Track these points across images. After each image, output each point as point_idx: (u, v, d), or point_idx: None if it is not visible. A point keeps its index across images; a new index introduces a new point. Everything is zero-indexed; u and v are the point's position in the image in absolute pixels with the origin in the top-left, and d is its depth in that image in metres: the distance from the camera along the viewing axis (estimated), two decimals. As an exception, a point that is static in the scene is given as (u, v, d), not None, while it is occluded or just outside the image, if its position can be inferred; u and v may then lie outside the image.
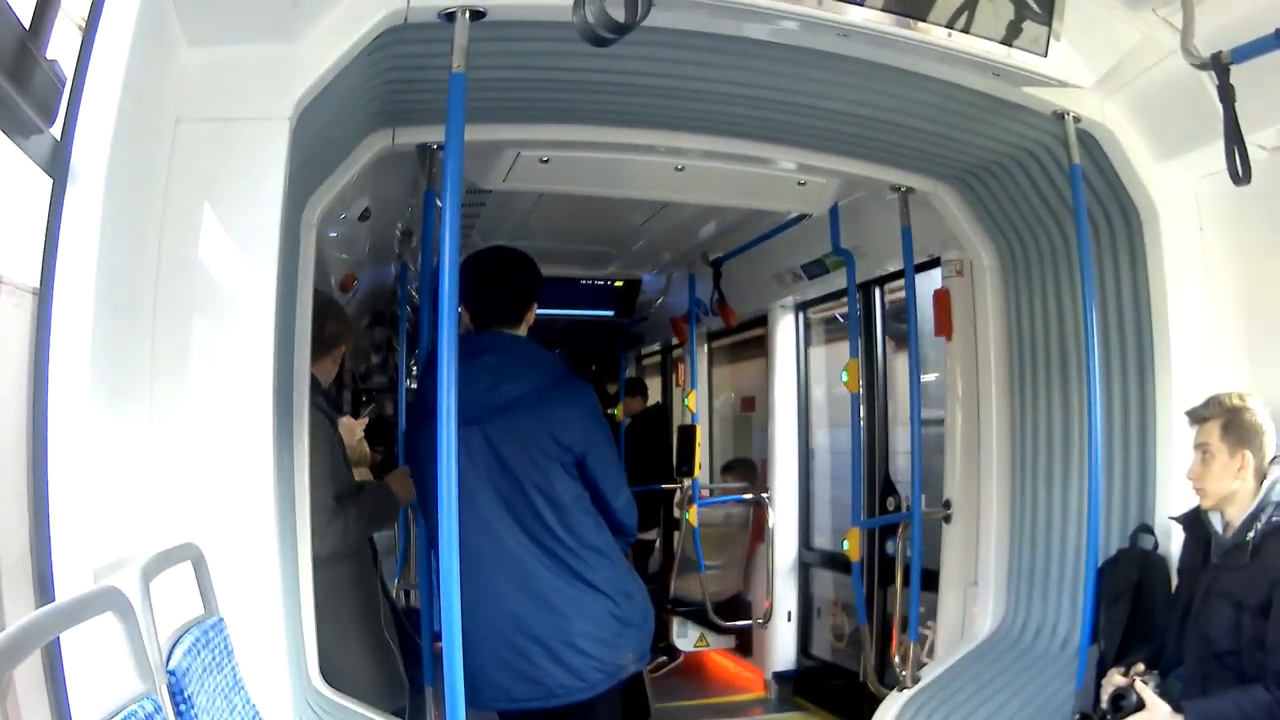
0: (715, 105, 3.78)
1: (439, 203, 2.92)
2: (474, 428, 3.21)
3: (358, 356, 9.27)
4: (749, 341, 7.19)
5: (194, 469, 2.60)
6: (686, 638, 7.01)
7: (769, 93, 3.64)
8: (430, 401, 3.11)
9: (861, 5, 2.95)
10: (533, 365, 3.54)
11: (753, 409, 7.02)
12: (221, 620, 2.45)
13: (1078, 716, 3.38)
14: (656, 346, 9.47)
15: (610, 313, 7.50)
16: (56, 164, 2.08)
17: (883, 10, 2.98)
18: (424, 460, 3.33)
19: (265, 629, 2.67)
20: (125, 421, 2.39)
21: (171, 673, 2.07)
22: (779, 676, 6.57)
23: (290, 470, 3.03)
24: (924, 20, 3.05)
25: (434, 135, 3.67)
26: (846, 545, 5.04)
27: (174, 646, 2.14)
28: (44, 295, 2.05)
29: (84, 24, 2.16)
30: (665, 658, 6.95)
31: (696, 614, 7.00)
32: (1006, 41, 3.19)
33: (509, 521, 3.36)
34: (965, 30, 3.11)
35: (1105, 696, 3.21)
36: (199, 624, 2.32)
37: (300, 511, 3.26)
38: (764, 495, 6.81)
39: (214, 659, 2.32)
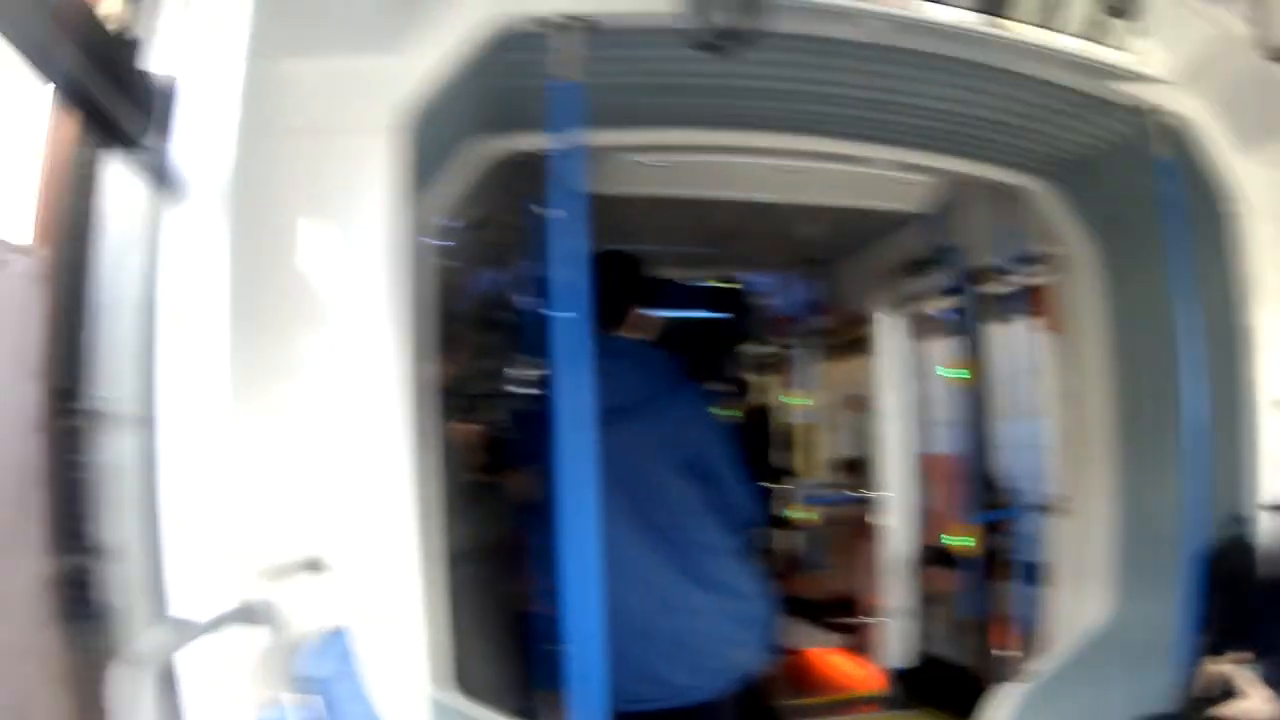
0: (814, 105, 3.79)
1: (537, 209, 3.21)
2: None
3: (465, 362, 9.36)
4: (854, 341, 7.17)
5: (320, 478, 2.61)
6: (800, 636, 7.04)
7: (867, 92, 3.66)
8: (550, 406, 3.10)
9: (949, 4, 3.00)
10: (646, 367, 3.58)
11: (859, 408, 7.03)
12: (348, 629, 2.49)
13: (1183, 705, 3.37)
14: (763, 348, 9.40)
15: (717, 314, 7.59)
16: (166, 178, 2.10)
17: (971, 9, 3.03)
18: (544, 464, 3.22)
19: (393, 636, 2.68)
20: (249, 430, 2.36)
21: (304, 680, 2.17)
22: (893, 673, 6.55)
23: (416, 477, 3.00)
24: (1010, 17, 3.08)
25: (538, 142, 3.58)
26: (956, 540, 5.01)
27: (304, 654, 2.23)
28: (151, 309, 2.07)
29: (189, 36, 2.18)
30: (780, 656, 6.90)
31: (810, 612, 7.03)
32: (1090, 37, 3.21)
33: (628, 523, 3.34)
34: (1050, 26, 3.14)
35: (1207, 685, 3.20)
36: (327, 632, 2.38)
37: (426, 517, 3.17)
38: (873, 493, 6.80)
39: (342, 667, 2.39)
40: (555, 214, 2.88)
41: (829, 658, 7.20)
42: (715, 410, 4.06)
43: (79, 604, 1.97)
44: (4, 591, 1.85)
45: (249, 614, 2.01)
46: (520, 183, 4.27)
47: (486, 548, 4.13)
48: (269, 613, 2.17)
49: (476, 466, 4.28)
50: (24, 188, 2.01)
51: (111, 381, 2.10)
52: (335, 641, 2.39)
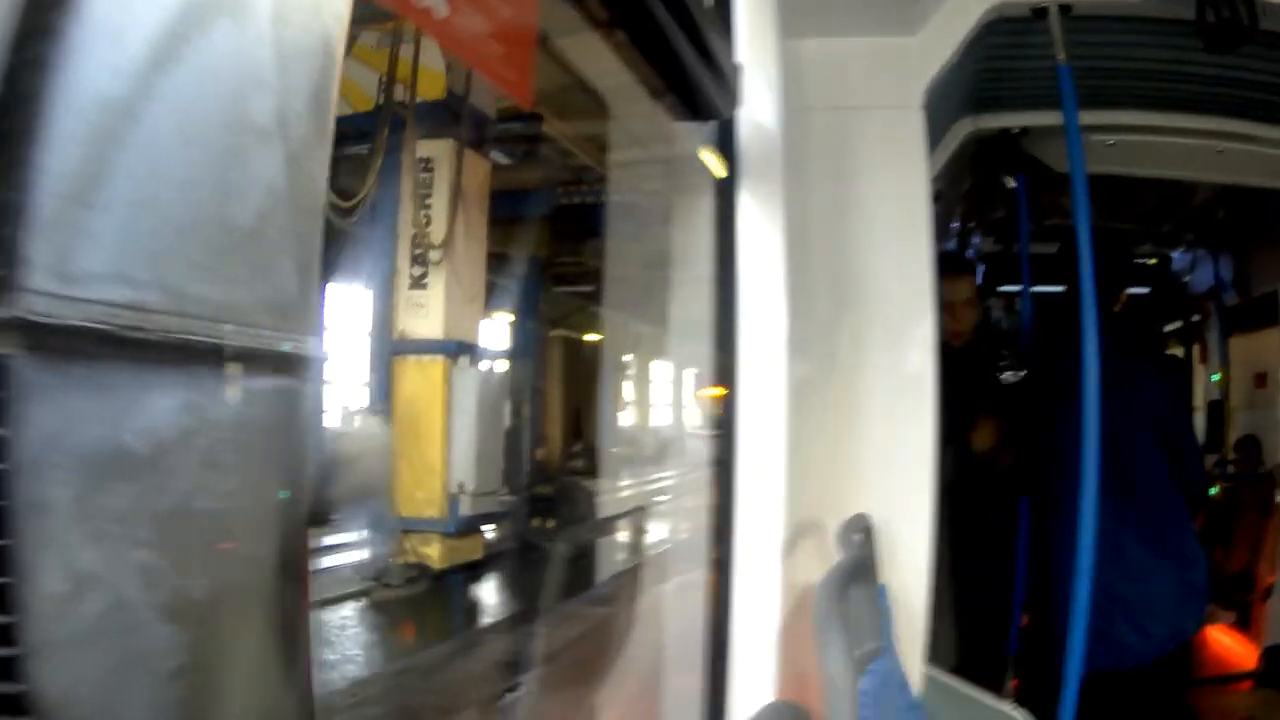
0: (1254, 93, 3.86)
1: (1013, 186, 3.45)
2: (1075, 403, 3.14)
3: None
4: (1263, 317, 7.00)
5: (865, 449, 2.76)
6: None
7: None
8: (1046, 381, 3.52)
9: None
10: (1122, 342, 3.63)
11: (1264, 385, 6.84)
12: (885, 586, 2.59)
13: None
14: (1178, 324, 9.25)
15: (1144, 289, 7.65)
16: (729, 151, 2.22)
17: None
18: (1040, 437, 3.67)
19: (916, 597, 2.78)
20: (810, 408, 2.51)
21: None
22: (1272, 651, 6.34)
23: (936, 453, 2.98)
24: None
25: (1017, 120, 4.04)
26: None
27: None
28: (727, 284, 2.22)
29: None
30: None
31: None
32: None
33: (1105, 493, 3.24)
34: None
35: None
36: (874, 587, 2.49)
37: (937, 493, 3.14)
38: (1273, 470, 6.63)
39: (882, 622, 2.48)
40: (1037, 191, 3.13)
41: (1213, 633, 7.03)
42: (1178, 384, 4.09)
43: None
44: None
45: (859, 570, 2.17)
46: (995, 160, 4.56)
47: (971, 524, 4.14)
48: (869, 569, 2.33)
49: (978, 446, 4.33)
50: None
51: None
52: (876, 595, 2.50)
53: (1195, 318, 8.38)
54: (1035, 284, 4.81)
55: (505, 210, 13.18)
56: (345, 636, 8.89)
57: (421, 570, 11.07)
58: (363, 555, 11.26)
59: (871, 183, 2.80)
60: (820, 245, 2.65)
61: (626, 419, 32.41)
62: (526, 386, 14.33)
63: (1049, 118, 3.41)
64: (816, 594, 1.90)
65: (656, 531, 17.60)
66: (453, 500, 11.21)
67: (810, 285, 2.51)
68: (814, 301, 2.58)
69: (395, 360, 11.44)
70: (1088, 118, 3.64)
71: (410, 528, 11.12)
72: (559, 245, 14.97)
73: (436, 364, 11.29)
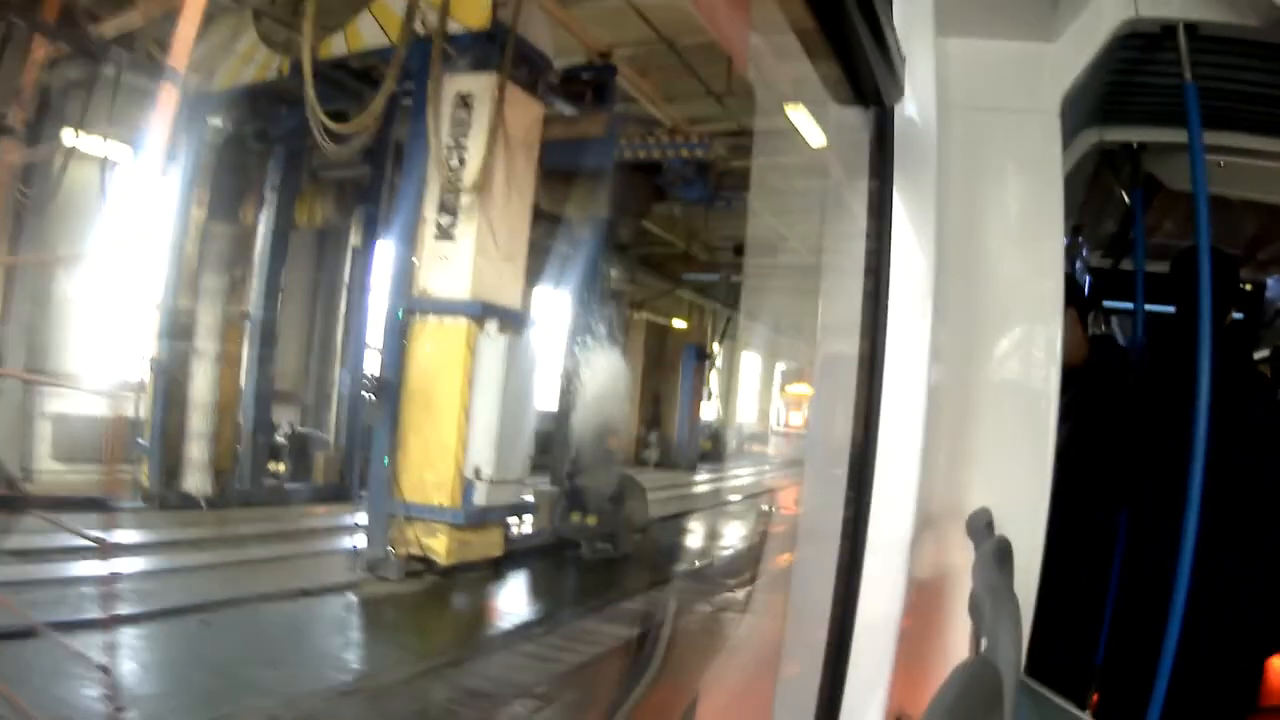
0: None
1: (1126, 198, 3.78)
2: (1184, 420, 3.16)
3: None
4: None
5: (988, 452, 2.76)
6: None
7: None
8: (1158, 398, 3.70)
9: None
10: (1228, 362, 3.57)
11: None
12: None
13: None
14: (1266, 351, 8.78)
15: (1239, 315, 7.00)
16: (885, 140, 2.23)
17: None
18: (1148, 451, 3.73)
19: (1024, 602, 2.67)
20: (940, 408, 2.49)
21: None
22: None
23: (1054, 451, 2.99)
24: None
25: (1140, 135, 4.19)
26: None
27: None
28: (879, 274, 2.21)
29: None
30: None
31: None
32: None
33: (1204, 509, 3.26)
34: None
35: None
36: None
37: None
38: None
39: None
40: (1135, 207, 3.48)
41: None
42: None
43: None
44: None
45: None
46: (1114, 173, 4.74)
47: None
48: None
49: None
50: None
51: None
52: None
53: (1283, 345, 8.30)
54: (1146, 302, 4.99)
55: (564, 163, 11.71)
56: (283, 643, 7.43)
57: (426, 564, 9.62)
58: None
59: (1007, 186, 2.84)
60: (956, 245, 2.60)
61: (710, 411, 31.04)
62: (585, 365, 12.73)
63: (1169, 134, 3.57)
64: (980, 571, 1.97)
65: (730, 534, 16.34)
66: (467, 487, 9.72)
67: (946, 285, 2.44)
68: (948, 301, 2.54)
69: (414, 320, 9.99)
70: (1208, 138, 3.66)
71: (415, 514, 9.66)
72: (636, 214, 13.32)
73: (459, 327, 9.81)
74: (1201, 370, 3.01)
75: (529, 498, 11.45)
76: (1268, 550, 3.65)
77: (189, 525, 10.95)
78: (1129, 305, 5.32)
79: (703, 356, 28.10)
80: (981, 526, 2.44)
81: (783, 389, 31.98)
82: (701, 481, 24.57)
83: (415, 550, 9.64)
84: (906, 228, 2.23)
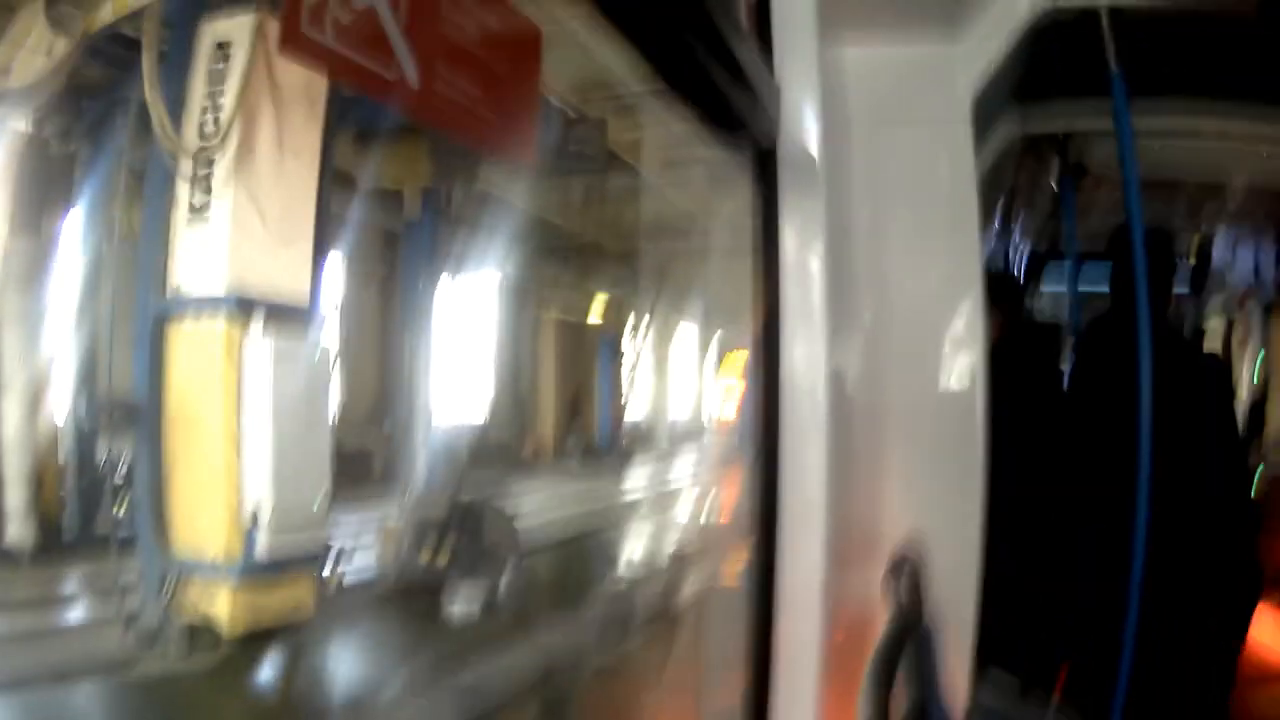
0: None
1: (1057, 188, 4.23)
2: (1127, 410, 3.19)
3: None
4: None
5: (910, 467, 2.55)
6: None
7: None
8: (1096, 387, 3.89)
9: None
10: (1171, 344, 3.84)
11: None
12: (929, 631, 2.60)
13: None
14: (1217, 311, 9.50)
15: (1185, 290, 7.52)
16: (770, 173, 2.23)
17: None
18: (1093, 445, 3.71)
19: (963, 623, 2.60)
20: (855, 427, 2.47)
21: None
22: None
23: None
24: None
25: (1063, 125, 4.39)
26: None
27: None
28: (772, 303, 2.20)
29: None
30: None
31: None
32: None
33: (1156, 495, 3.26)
34: None
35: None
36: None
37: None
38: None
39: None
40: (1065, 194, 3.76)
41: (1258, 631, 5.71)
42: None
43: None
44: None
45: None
46: (1039, 163, 4.96)
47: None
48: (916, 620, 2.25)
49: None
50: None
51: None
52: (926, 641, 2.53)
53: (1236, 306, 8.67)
54: (1081, 285, 5.14)
55: (370, 122, 9.68)
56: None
57: (211, 635, 7.49)
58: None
59: (920, 197, 2.66)
60: (865, 263, 2.56)
61: (639, 409, 29.37)
62: (416, 365, 10.58)
63: (1094, 122, 3.65)
64: (866, 679, 1.92)
65: (648, 552, 14.37)
66: (248, 533, 7.61)
67: (854, 304, 2.49)
68: (859, 320, 2.52)
69: (170, 327, 7.86)
70: (1137, 122, 3.68)
71: (187, 572, 7.54)
72: (465, 178, 11.19)
73: (214, 331, 7.70)
74: (1142, 355, 3.01)
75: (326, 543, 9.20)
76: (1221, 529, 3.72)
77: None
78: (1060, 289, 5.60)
79: (618, 351, 26.30)
80: (899, 584, 2.28)
81: (715, 377, 30.40)
82: (625, 489, 22.68)
83: (199, 617, 7.53)
84: (797, 257, 2.22)
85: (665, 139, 15.37)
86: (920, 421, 2.63)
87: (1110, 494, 3.34)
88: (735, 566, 2.38)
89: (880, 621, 2.25)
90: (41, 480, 10.45)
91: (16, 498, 10.18)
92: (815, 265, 2.22)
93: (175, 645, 7.29)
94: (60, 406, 10.77)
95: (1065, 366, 4.70)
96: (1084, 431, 3.98)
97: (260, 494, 7.58)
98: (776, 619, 2.09)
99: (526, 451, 23.70)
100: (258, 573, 7.61)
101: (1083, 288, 5.17)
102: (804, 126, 2.24)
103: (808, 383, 2.19)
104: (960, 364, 2.68)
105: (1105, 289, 4.00)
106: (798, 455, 2.15)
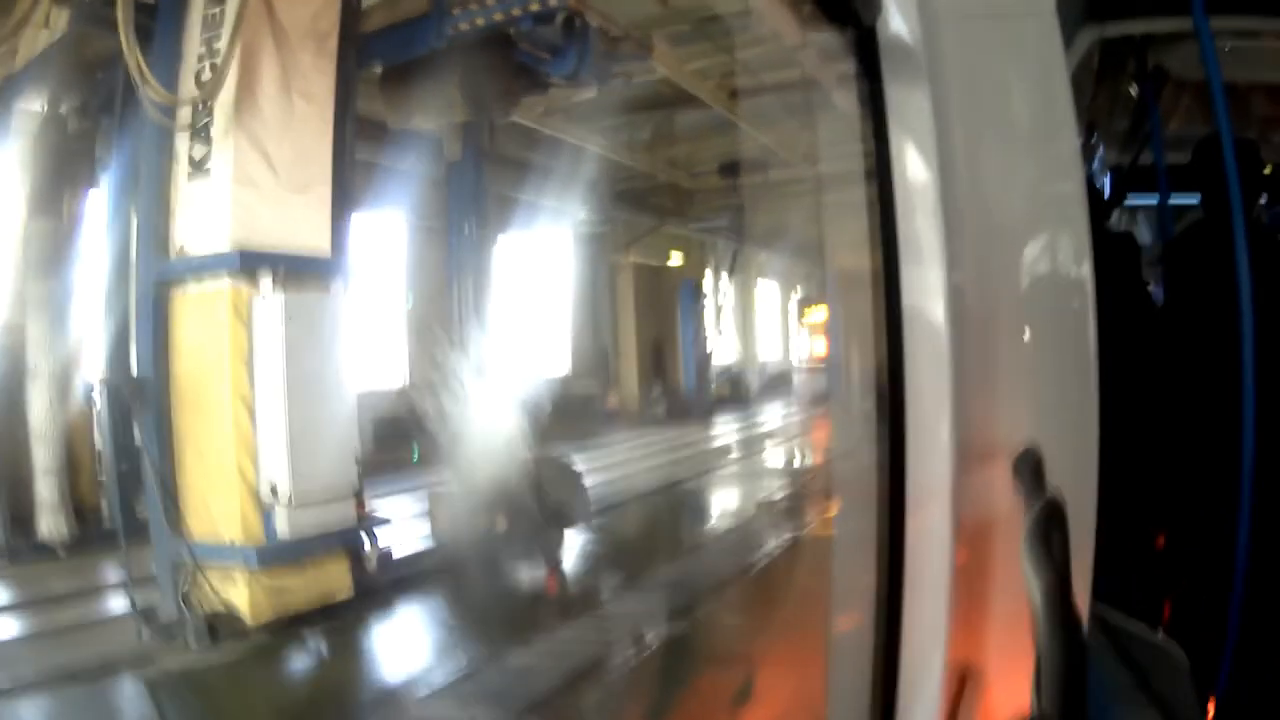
0: None
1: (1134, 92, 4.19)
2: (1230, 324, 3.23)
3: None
4: None
5: (1023, 373, 2.43)
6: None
7: None
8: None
9: None
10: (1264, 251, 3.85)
11: None
12: None
13: None
14: None
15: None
16: (869, 61, 2.17)
17: None
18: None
19: (1083, 525, 2.38)
20: (966, 333, 2.34)
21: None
22: None
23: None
24: None
25: (1144, 27, 4.20)
26: None
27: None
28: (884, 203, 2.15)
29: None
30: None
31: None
32: None
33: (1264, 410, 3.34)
34: None
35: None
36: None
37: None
38: None
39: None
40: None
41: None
42: None
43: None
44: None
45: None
46: (1119, 68, 4.90)
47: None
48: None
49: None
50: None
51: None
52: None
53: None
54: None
55: (390, 56, 8.89)
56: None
57: (235, 624, 6.88)
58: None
59: (1012, 93, 2.49)
60: (964, 160, 2.34)
61: (727, 352, 28.50)
62: (474, 315, 9.77)
63: (1172, 24, 3.59)
64: (1025, 542, 1.86)
65: (741, 498, 13.63)
66: (266, 512, 6.95)
67: (957, 202, 2.29)
68: (962, 219, 2.32)
69: (172, 291, 7.20)
70: (1212, 23, 3.71)
71: (203, 558, 6.92)
72: (501, 108, 10.28)
73: (219, 291, 7.00)
74: (1240, 260, 2.97)
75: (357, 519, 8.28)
76: None
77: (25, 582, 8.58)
78: (1152, 200, 5.34)
79: (700, 293, 25.36)
80: (1029, 475, 2.15)
81: (801, 316, 29.29)
82: (715, 434, 21.91)
83: (220, 606, 6.92)
84: (905, 148, 2.17)
85: (732, 66, 14.51)
86: (1031, 332, 2.46)
87: (1215, 413, 3.27)
88: (854, 482, 2.30)
89: (1000, 522, 2.18)
90: (76, 468, 9.93)
91: (48, 489, 9.67)
92: (926, 151, 2.17)
93: (195, 637, 6.69)
94: (92, 391, 10.26)
95: (1150, 279, 4.67)
96: (1183, 347, 3.90)
97: (278, 468, 6.89)
98: (906, 523, 2.09)
99: (610, 402, 23.03)
100: (280, 554, 6.96)
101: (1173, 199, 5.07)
102: (904, 9, 2.17)
103: (926, 297, 2.15)
104: (1065, 260, 2.52)
105: (1188, 201, 3.95)
106: (921, 369, 2.12)
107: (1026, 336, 2.48)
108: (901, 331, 2.16)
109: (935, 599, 2.07)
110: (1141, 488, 4.00)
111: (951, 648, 2.06)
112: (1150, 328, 4.21)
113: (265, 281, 6.98)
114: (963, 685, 1.96)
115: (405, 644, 7.34)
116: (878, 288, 2.19)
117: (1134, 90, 5.13)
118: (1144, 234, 7.44)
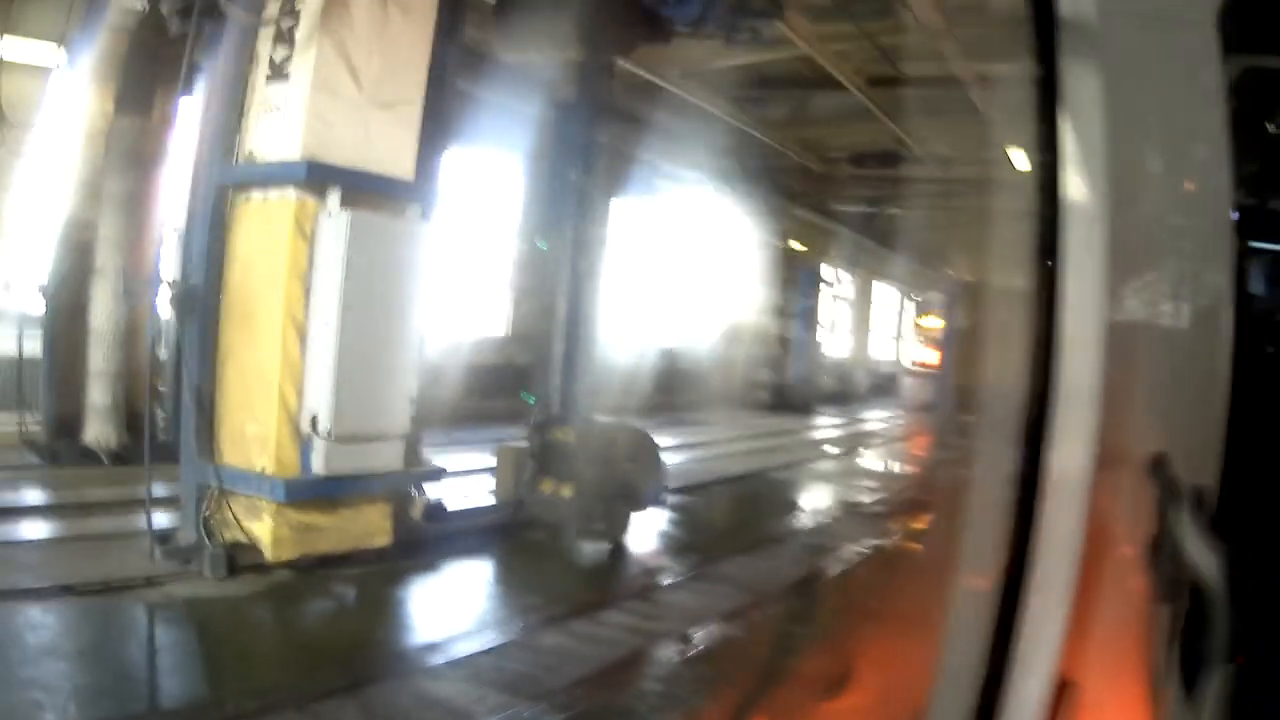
0: None
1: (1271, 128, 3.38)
2: None
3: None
4: None
5: (1157, 382, 2.40)
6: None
7: None
8: None
9: None
10: None
11: None
12: None
13: None
14: None
15: None
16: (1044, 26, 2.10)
17: None
18: None
19: None
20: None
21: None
22: None
23: None
24: None
25: None
26: None
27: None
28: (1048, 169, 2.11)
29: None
30: None
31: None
32: None
33: None
34: None
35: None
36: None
37: None
38: None
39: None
40: None
41: None
42: None
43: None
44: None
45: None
46: (1258, 103, 3.88)
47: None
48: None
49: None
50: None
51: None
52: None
53: None
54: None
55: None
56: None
57: (252, 558, 6.43)
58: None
59: (1169, 105, 2.40)
60: (1123, 168, 2.28)
61: (840, 347, 27.67)
62: (571, 273, 9.12)
63: None
64: (1180, 528, 2.02)
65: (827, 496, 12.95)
66: (304, 445, 6.47)
67: (1124, 211, 2.25)
68: (1116, 230, 2.25)
69: (235, 198, 6.75)
70: None
71: (230, 485, 6.48)
72: (616, 49, 9.62)
73: (284, 203, 6.51)
74: None
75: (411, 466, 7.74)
76: None
77: (61, 488, 8.28)
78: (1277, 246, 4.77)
79: (819, 281, 24.52)
80: (1164, 477, 2.18)
81: (916, 322, 28.34)
82: (815, 427, 21.15)
83: (242, 536, 6.48)
84: (1074, 142, 2.12)
85: (873, 51, 13.69)
86: (1167, 343, 2.44)
87: None
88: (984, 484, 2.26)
89: (1125, 522, 2.13)
90: (134, 375, 9.54)
91: (101, 392, 9.36)
92: (1093, 148, 2.10)
93: (211, 566, 6.26)
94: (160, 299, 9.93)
95: None
96: None
97: (322, 399, 6.40)
98: (1040, 529, 2.01)
99: (715, 382, 22.38)
100: (311, 490, 6.50)
101: None
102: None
103: (1083, 310, 2.07)
104: (1205, 293, 2.48)
105: None
106: (1070, 380, 2.07)
107: (1164, 354, 2.41)
108: (1052, 341, 2.07)
109: (1057, 607, 2.02)
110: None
111: (1058, 660, 2.04)
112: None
113: (333, 197, 6.47)
114: (1060, 695, 1.95)
115: (434, 604, 6.81)
116: (1015, 295, 2.14)
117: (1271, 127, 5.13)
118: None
